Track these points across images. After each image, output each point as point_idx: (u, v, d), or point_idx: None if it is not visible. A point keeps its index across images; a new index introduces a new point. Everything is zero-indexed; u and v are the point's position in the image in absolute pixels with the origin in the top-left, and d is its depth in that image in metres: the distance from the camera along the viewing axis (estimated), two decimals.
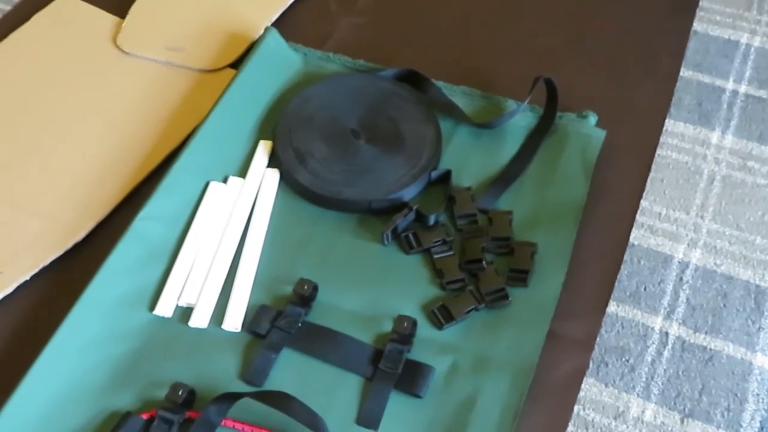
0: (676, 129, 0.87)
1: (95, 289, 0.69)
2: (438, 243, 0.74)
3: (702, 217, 0.79)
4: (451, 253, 0.73)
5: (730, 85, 0.91)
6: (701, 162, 0.84)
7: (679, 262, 0.76)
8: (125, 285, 0.70)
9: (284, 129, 0.81)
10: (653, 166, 0.83)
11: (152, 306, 0.70)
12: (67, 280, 0.72)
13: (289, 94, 0.86)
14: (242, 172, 0.79)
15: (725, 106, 0.90)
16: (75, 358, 0.66)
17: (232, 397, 0.62)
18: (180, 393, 0.63)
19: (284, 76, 0.87)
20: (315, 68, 0.88)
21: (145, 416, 0.62)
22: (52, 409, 0.63)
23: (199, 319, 0.69)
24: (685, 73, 0.93)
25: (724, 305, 0.74)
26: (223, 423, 0.62)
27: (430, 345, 0.68)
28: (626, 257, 0.76)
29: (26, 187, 0.79)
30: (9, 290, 0.72)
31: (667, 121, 0.88)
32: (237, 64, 0.89)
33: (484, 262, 0.72)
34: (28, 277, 0.72)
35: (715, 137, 0.86)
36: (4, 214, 0.77)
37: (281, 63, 0.88)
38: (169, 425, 0.61)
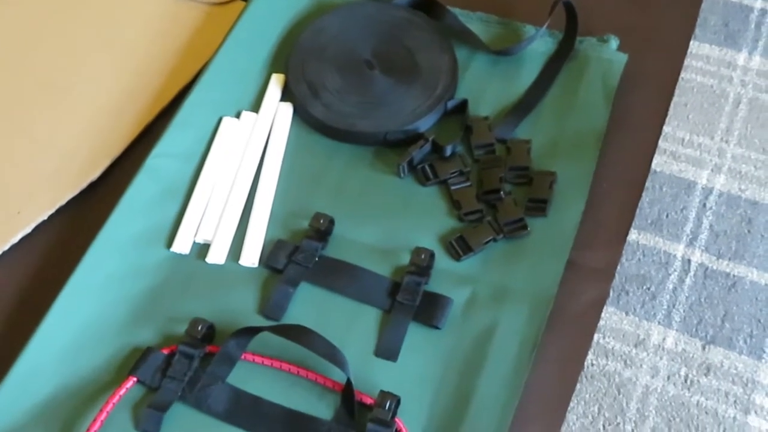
0: (701, 51, 0.84)
1: (112, 228, 0.69)
2: (455, 174, 0.73)
3: (727, 142, 0.77)
4: (468, 183, 0.72)
5: (758, 4, 0.88)
6: (727, 85, 0.81)
7: (702, 188, 0.74)
8: (142, 222, 0.70)
9: (297, 61, 0.79)
10: (677, 91, 0.81)
11: (169, 243, 0.70)
12: (84, 219, 0.72)
13: (301, 25, 0.84)
14: (255, 107, 0.78)
15: (753, 26, 0.86)
16: (95, 296, 0.66)
17: (251, 331, 0.63)
18: (200, 328, 0.63)
19: (296, 7, 0.85)
20: None
21: (165, 351, 0.63)
22: (74, 346, 0.64)
23: (217, 255, 0.69)
24: None
25: (749, 231, 0.72)
26: (243, 357, 0.63)
27: (448, 276, 0.68)
28: (648, 184, 0.74)
29: (39, 124, 0.78)
30: (27, 230, 0.72)
31: (691, 43, 0.84)
32: None
33: (502, 193, 0.71)
34: (45, 217, 0.73)
35: (741, 59, 0.83)
36: (19, 153, 0.76)
37: None
38: (190, 359, 0.62)
